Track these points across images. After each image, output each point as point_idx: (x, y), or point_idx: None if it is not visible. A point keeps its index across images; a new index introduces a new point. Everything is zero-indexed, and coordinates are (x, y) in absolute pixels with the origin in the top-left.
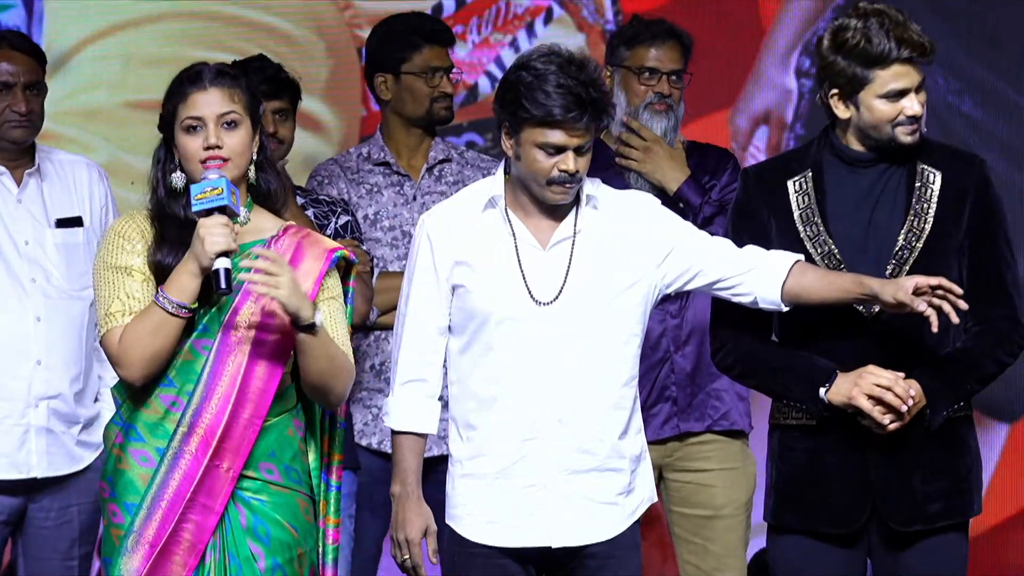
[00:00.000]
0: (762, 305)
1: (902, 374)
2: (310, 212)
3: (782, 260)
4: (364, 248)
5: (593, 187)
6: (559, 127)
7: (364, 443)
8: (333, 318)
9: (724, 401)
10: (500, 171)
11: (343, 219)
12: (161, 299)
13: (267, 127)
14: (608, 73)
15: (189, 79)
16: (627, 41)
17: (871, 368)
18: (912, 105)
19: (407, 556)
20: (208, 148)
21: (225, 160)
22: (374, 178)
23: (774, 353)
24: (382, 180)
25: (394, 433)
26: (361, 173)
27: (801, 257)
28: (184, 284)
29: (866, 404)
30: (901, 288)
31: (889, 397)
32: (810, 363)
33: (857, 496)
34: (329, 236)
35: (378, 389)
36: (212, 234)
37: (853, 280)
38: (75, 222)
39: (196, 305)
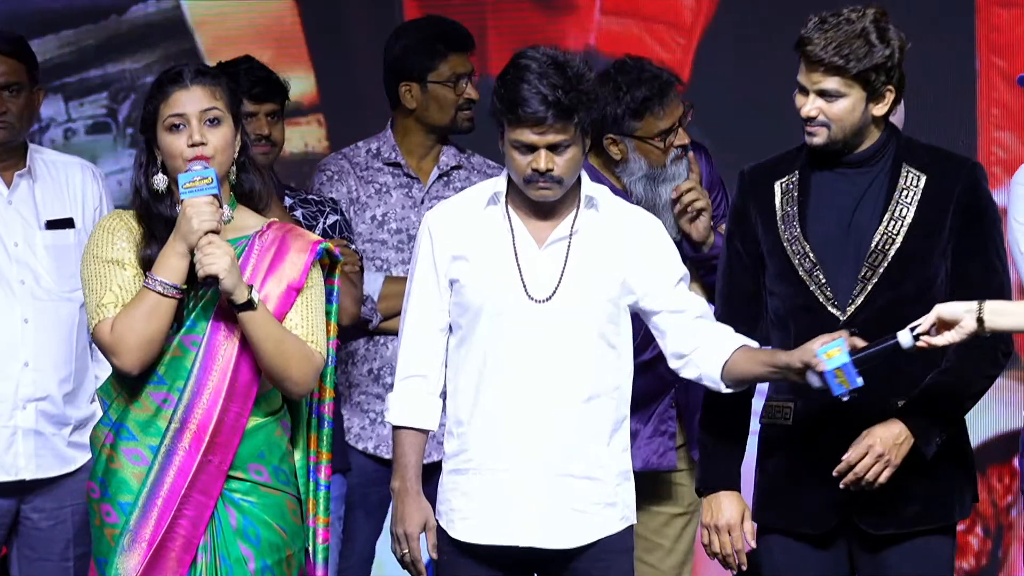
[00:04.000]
0: (706, 383)
1: (741, 548)
2: (298, 212)
3: (727, 342)
4: (353, 248)
5: (595, 190)
6: (524, 125)
7: (360, 447)
8: (307, 306)
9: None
10: (505, 171)
11: (331, 219)
12: (151, 282)
13: (261, 130)
14: (613, 141)
15: (170, 79)
16: (634, 112)
17: (744, 527)
18: (803, 105)
19: (406, 551)
20: (192, 145)
21: (209, 158)
22: (383, 177)
23: (729, 421)
24: (391, 180)
25: (394, 428)
26: (370, 171)
27: (747, 341)
28: (173, 264)
29: (704, 537)
30: (806, 350)
31: (717, 552)
32: (729, 461)
33: (830, 498)
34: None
35: (375, 394)
36: (200, 213)
37: (768, 353)
38: (66, 223)
39: (186, 287)
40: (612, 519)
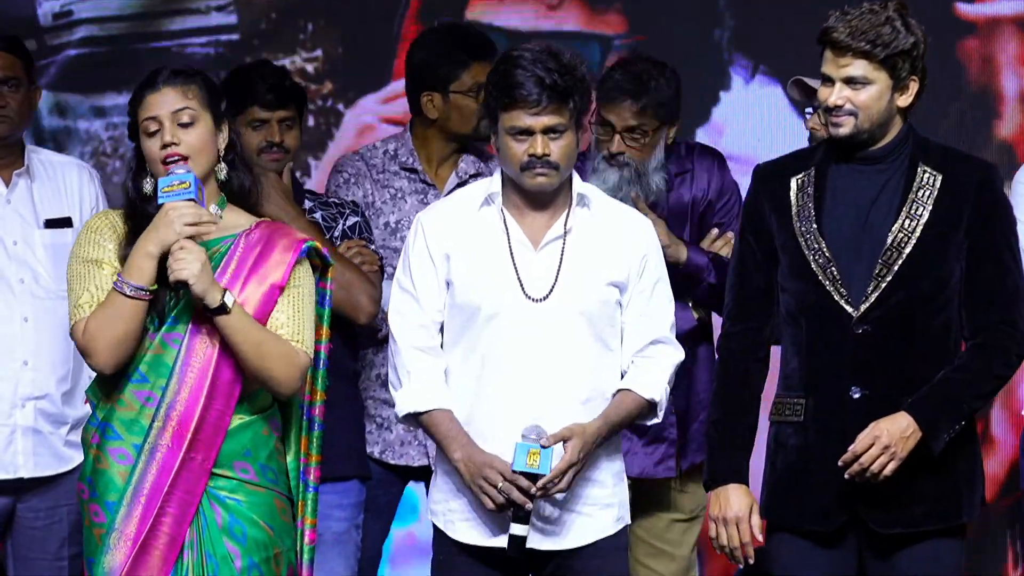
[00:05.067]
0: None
1: (748, 541)
2: (318, 215)
3: (625, 381)
4: (373, 248)
5: (586, 188)
6: (518, 108)
7: (367, 451)
8: (292, 305)
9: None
10: (499, 171)
11: (351, 220)
12: (120, 284)
13: (272, 137)
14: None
15: (145, 83)
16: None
17: (751, 521)
18: (829, 95)
19: (499, 484)
20: (164, 147)
21: (184, 158)
22: (399, 182)
23: (737, 415)
24: (407, 185)
25: (420, 416)
26: (387, 174)
27: (636, 389)
28: (142, 266)
29: (712, 530)
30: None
31: (724, 545)
32: (737, 454)
33: (838, 495)
34: (337, 238)
35: (383, 399)
36: (183, 216)
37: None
38: (64, 223)
39: (155, 287)
40: (608, 520)
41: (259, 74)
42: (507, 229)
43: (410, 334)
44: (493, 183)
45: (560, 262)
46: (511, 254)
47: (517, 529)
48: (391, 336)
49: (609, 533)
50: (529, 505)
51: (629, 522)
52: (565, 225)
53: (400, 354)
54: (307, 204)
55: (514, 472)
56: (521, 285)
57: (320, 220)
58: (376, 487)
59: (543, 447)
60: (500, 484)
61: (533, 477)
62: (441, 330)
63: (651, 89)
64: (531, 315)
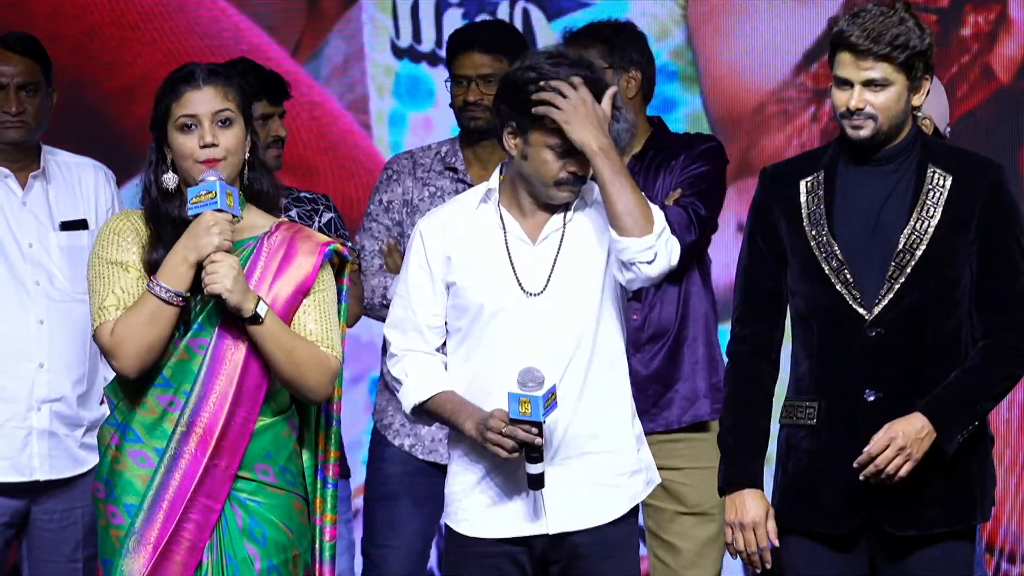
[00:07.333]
0: None
1: (766, 546)
2: (293, 212)
3: None
4: (350, 245)
5: (587, 184)
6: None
7: (397, 443)
8: (319, 310)
9: (688, 399)
10: (496, 171)
11: (326, 216)
12: (156, 287)
13: (278, 132)
14: None
15: (182, 78)
16: None
17: (767, 525)
18: (851, 98)
19: (502, 428)
20: (204, 147)
21: (220, 160)
22: (441, 181)
23: (750, 420)
24: (448, 185)
25: (425, 405)
26: (431, 174)
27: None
28: (181, 272)
29: (728, 535)
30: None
31: (742, 550)
32: (751, 459)
33: (851, 498)
34: None
35: None
36: (224, 231)
37: None
38: (80, 225)
39: (189, 294)
40: (637, 485)
41: (237, 69)
42: (504, 225)
43: (405, 339)
44: (492, 181)
45: (557, 255)
46: (508, 250)
47: (532, 468)
48: (387, 342)
49: (640, 500)
50: (538, 441)
51: (659, 480)
52: (564, 220)
53: (396, 359)
54: (282, 202)
55: (512, 420)
56: (518, 280)
57: (296, 217)
58: (415, 475)
59: (533, 396)
60: (504, 429)
61: (532, 424)
62: (439, 333)
63: (596, 29)
64: (530, 309)
